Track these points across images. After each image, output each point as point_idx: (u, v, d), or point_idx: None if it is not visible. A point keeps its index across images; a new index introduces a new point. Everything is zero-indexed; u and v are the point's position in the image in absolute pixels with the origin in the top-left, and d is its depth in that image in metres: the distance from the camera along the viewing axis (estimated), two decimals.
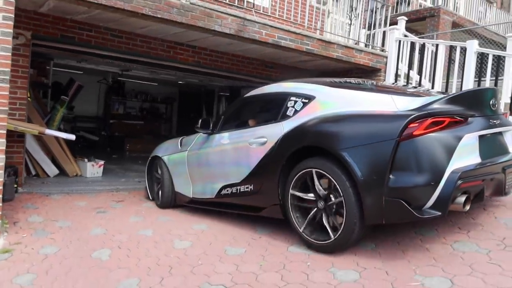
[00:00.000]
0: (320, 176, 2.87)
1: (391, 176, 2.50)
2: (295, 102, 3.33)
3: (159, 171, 4.74)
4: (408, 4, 12.47)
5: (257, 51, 6.02)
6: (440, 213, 2.50)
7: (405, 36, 7.09)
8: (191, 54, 6.26)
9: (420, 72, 6.53)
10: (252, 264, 2.81)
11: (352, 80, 4.04)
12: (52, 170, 6.03)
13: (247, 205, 3.58)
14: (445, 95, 2.87)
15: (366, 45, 7.03)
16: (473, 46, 5.67)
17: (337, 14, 7.72)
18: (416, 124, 2.52)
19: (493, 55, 5.68)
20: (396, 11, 12.39)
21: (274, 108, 3.55)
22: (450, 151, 2.56)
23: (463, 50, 5.90)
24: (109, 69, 8.38)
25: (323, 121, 2.99)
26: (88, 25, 5.26)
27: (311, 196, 2.96)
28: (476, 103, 2.88)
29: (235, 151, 3.67)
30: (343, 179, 2.68)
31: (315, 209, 2.91)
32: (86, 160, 6.33)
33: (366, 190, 2.58)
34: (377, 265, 2.57)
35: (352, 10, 6.69)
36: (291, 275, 2.56)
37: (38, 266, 3.00)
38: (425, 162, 2.52)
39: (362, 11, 7.14)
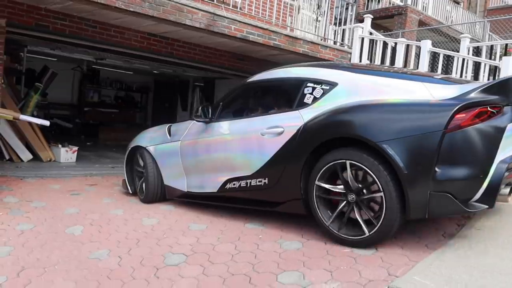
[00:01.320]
0: (354, 168, 2.70)
1: (437, 169, 2.41)
2: (313, 88, 3.12)
3: (142, 163, 4.35)
4: (379, 1, 12.95)
5: (227, 44, 6.33)
6: (487, 206, 2.47)
7: (371, 33, 7.52)
8: (164, 45, 6.51)
9: None
10: (211, 237, 3.16)
11: (375, 65, 3.88)
12: (26, 155, 6.20)
13: (258, 200, 3.33)
14: (481, 84, 2.71)
15: (335, 42, 7.44)
16: (426, 46, 6.15)
17: (307, 10, 8.09)
18: (463, 115, 2.42)
19: (444, 54, 6.17)
20: (367, 8, 12.86)
21: (286, 95, 3.42)
22: (496, 142, 2.48)
23: (419, 49, 6.38)
24: (84, 57, 8.50)
25: (358, 110, 2.79)
26: (62, 14, 5.43)
27: (340, 188, 2.79)
28: (508, 92, 2.69)
29: (244, 142, 3.38)
30: (383, 173, 2.52)
31: (344, 202, 2.76)
32: (60, 145, 6.52)
33: (411, 184, 2.45)
34: (318, 238, 2.96)
35: (318, 7, 7.05)
36: (244, 245, 2.93)
37: (15, 240, 3.25)
38: (473, 154, 2.45)
39: (328, 9, 7.51)
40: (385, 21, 12.36)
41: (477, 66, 6.10)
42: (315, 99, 3.08)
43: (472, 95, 2.55)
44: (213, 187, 3.64)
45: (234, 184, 3.44)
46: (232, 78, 9.24)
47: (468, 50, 6.65)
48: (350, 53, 7.12)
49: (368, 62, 7.08)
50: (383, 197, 2.53)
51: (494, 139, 2.49)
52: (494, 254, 2.46)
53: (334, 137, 2.80)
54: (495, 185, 2.45)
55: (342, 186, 2.77)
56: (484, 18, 18.08)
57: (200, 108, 3.76)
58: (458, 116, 2.42)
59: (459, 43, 7.15)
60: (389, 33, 10.92)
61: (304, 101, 3.13)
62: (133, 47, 6.23)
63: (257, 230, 3.24)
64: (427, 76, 3.22)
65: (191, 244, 3.03)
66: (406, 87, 2.80)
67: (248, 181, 3.32)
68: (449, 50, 7.12)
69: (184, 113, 12.04)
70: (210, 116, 3.70)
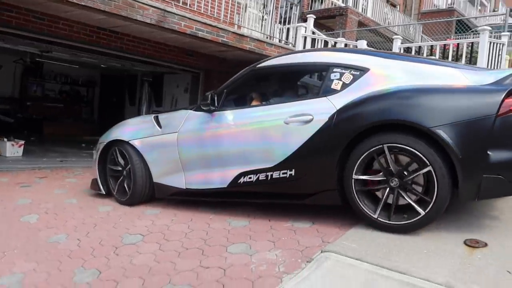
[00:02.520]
0: (396, 153, 2.69)
1: (489, 153, 2.45)
2: (342, 74, 3.00)
3: (121, 160, 3.91)
4: (322, 2, 13.61)
5: (177, 40, 6.52)
6: None
7: (313, 33, 8.02)
8: (113, 39, 6.56)
9: None
10: (165, 219, 3.41)
11: (400, 52, 3.52)
12: None
13: (281, 194, 3.16)
14: (505, 73, 2.76)
15: (280, 40, 7.86)
16: (362, 45, 6.72)
17: (254, 8, 8.44)
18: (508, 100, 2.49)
19: None
20: (311, 8, 13.48)
21: (308, 81, 3.35)
22: None
23: (356, 47, 6.95)
24: (28, 50, 8.27)
25: (404, 96, 2.72)
26: (8, 5, 5.34)
27: (379, 176, 2.75)
28: None
29: (263, 132, 3.15)
30: (437, 157, 2.52)
31: (387, 189, 2.72)
32: (5, 139, 6.39)
33: (465, 168, 2.47)
34: (263, 217, 3.31)
35: (264, 7, 7.42)
36: (196, 225, 3.21)
37: None
38: None
39: (273, 8, 7.91)
40: (328, 21, 13.05)
41: None
42: (344, 85, 2.95)
43: (508, 81, 2.63)
44: (222, 182, 3.33)
45: (250, 178, 3.18)
46: (181, 73, 9.39)
47: (400, 50, 7.35)
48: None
49: None
50: (435, 176, 2.53)
51: None
52: None
53: (383, 123, 2.67)
54: None
55: (381, 173, 2.73)
56: (417, 20, 19.47)
57: (209, 96, 3.41)
58: (507, 100, 2.47)
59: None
60: (331, 32, 11.57)
61: (332, 87, 2.99)
62: (82, 40, 6.23)
63: (208, 213, 3.52)
64: (455, 63, 3.24)
65: (146, 226, 3.27)
66: (445, 73, 2.81)
67: (269, 173, 3.09)
68: (386, 49, 7.79)
69: (132, 107, 11.97)
70: (216, 104, 3.41)
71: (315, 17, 8.65)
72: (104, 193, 4.12)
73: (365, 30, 12.65)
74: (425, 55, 7.19)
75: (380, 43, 12.02)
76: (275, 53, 7.19)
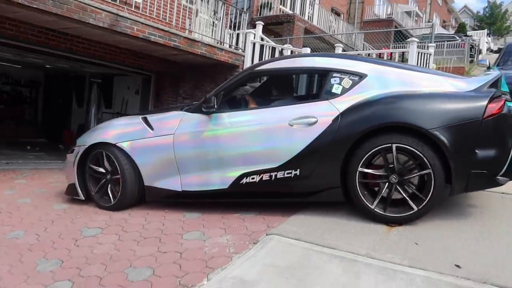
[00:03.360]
0: (399, 152, 2.89)
1: (477, 151, 2.79)
2: (341, 79, 3.19)
3: (107, 163, 3.77)
4: (270, 9, 14.14)
5: (129, 43, 6.64)
6: (510, 179, 2.90)
7: (262, 39, 8.43)
8: (63, 40, 6.55)
9: None
10: (122, 214, 3.61)
11: (390, 60, 3.69)
12: None
13: (285, 193, 3.30)
14: (488, 79, 3.09)
15: (230, 46, 8.18)
16: (307, 52, 7.21)
17: (205, 14, 8.72)
18: (494, 105, 2.82)
19: None
20: (260, 14, 13.95)
21: (308, 85, 3.51)
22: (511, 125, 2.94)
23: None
24: None
25: (403, 100, 2.98)
26: None
27: (381, 171, 2.96)
28: (499, 86, 3.08)
29: (267, 133, 3.24)
30: (433, 155, 2.78)
31: (386, 183, 2.94)
32: None
33: (457, 164, 2.77)
34: (215, 210, 3.60)
35: (215, 13, 7.73)
36: (153, 218, 3.46)
37: None
38: (502, 137, 2.88)
39: (223, 14, 8.24)
40: (276, 27, 13.58)
41: None
42: (344, 90, 3.15)
43: (486, 88, 2.99)
44: (222, 183, 3.37)
45: (253, 178, 3.26)
46: (132, 75, 9.45)
47: None
48: (244, 56, 7.93)
49: None
50: (433, 177, 2.79)
51: (511, 123, 2.94)
52: (344, 211, 3.35)
53: (385, 125, 2.89)
54: None
55: (382, 169, 2.95)
56: (360, 29, 20.65)
57: (212, 98, 3.42)
58: (490, 105, 2.82)
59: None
60: (280, 38, 12.09)
61: (332, 91, 3.18)
62: (30, 41, 6.17)
63: (163, 208, 3.76)
64: (438, 71, 3.58)
65: (104, 220, 3.46)
66: (434, 80, 3.12)
67: (274, 173, 3.19)
68: None
69: (80, 109, 11.78)
70: (215, 106, 3.43)
71: (263, 23, 9.06)
72: (83, 198, 3.93)
73: (311, 37, 13.33)
74: None
75: (325, 49, 12.70)
76: (225, 58, 7.52)
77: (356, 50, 11.62)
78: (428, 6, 35.45)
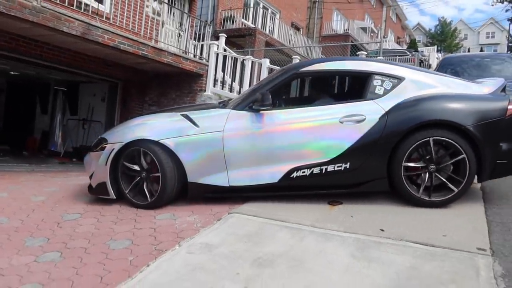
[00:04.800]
0: (436, 145, 3.32)
1: (501, 144, 3.33)
2: (383, 81, 3.55)
3: (143, 161, 3.73)
4: (233, 22, 14.79)
5: (99, 51, 7.00)
6: None
7: (225, 50, 8.99)
8: (33, 47, 6.81)
9: (233, 79, 8.52)
10: (100, 201, 3.98)
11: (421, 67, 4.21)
12: None
13: (334, 184, 3.53)
14: (499, 85, 3.65)
15: (194, 56, 8.68)
16: (266, 63, 7.84)
17: (171, 25, 9.18)
18: (511, 106, 3.39)
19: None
20: (223, 27, 14.57)
21: (353, 86, 3.80)
22: None
23: (261, 65, 8.06)
24: None
25: (442, 100, 3.41)
26: None
27: (421, 163, 3.36)
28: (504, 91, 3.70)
29: (319, 130, 3.48)
30: (467, 146, 3.25)
31: (427, 173, 3.34)
32: None
33: (487, 156, 3.27)
34: (184, 200, 4.05)
35: (180, 25, 8.22)
36: (127, 205, 3.85)
37: None
38: None
39: (189, 26, 8.74)
40: (239, 39, 14.22)
41: None
42: (386, 91, 3.52)
43: (499, 92, 3.58)
44: (272, 177, 3.53)
45: (303, 172, 3.47)
46: (98, 82, 9.72)
47: None
48: (208, 65, 8.45)
49: (223, 73, 8.54)
50: (467, 165, 3.26)
51: None
52: (291, 198, 3.90)
53: (430, 122, 3.29)
54: None
55: (421, 161, 3.36)
56: (319, 43, 21.71)
57: (263, 96, 3.55)
58: (510, 107, 3.38)
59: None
60: (242, 50, 12.72)
61: (376, 92, 3.52)
62: (1, 47, 6.40)
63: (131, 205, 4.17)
64: (460, 78, 4.10)
65: (83, 207, 3.84)
66: (460, 84, 3.66)
67: (324, 167, 3.43)
68: None
69: (44, 116, 11.82)
70: (269, 104, 3.56)
71: (226, 35, 9.64)
72: (114, 197, 3.83)
73: (272, 49, 14.07)
74: None
75: (285, 61, 13.45)
76: (190, 67, 8.01)
77: None
78: (383, 23, 37.51)
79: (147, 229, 3.15)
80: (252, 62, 8.28)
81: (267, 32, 15.29)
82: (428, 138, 3.29)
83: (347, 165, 3.42)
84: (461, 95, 3.50)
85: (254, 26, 15.09)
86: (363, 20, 31.23)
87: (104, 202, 3.96)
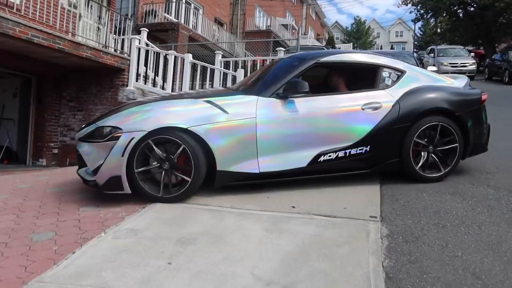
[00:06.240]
0: (433, 129, 3.91)
1: (476, 127, 4.06)
2: (390, 73, 4.04)
3: (173, 150, 3.47)
4: (155, 16, 14.60)
5: (9, 43, 6.62)
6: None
7: (147, 44, 8.93)
8: None
9: (156, 73, 8.52)
10: (16, 200, 3.90)
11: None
12: None
13: (354, 167, 3.84)
14: (466, 81, 4.45)
15: (115, 50, 8.52)
16: (188, 58, 7.97)
17: (89, 19, 8.88)
18: (484, 96, 4.19)
19: (201, 65, 8.15)
20: (145, 21, 14.32)
21: (366, 76, 4.10)
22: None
23: (183, 60, 8.18)
24: None
25: (439, 92, 4.05)
26: None
27: (424, 142, 3.90)
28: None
29: (344, 115, 3.78)
30: (459, 130, 3.92)
31: (426, 152, 3.91)
32: None
33: (471, 138, 3.97)
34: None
35: (99, 18, 8.03)
36: (48, 200, 3.82)
37: None
38: (486, 117, 4.23)
39: (108, 20, 8.56)
40: (162, 34, 14.10)
41: (225, 74, 8.32)
42: (393, 82, 4.02)
43: (469, 85, 4.38)
44: (300, 162, 3.69)
45: (329, 156, 3.72)
46: (8, 76, 9.12)
47: (221, 63, 8.87)
48: (129, 60, 8.36)
49: (145, 68, 8.51)
50: (458, 145, 3.92)
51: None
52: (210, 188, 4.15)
53: (434, 109, 3.90)
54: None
55: (426, 140, 3.91)
56: (242, 38, 22.15)
57: (297, 84, 3.69)
58: (483, 97, 4.18)
59: (223, 57, 9.40)
60: (165, 45, 12.65)
61: (385, 82, 4.01)
62: None
63: (59, 193, 4.14)
64: (442, 74, 4.82)
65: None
66: (448, 79, 4.37)
67: (348, 150, 3.74)
68: (212, 62, 9.20)
69: None
70: (303, 91, 3.70)
71: (148, 30, 9.56)
72: (130, 192, 3.50)
73: (196, 44, 14.14)
74: (240, 67, 8.84)
75: (209, 56, 13.63)
76: (111, 61, 7.87)
77: (236, 57, 12.73)
78: (303, 20, 39.13)
79: (71, 220, 3.20)
80: (175, 57, 8.35)
81: (190, 27, 15.31)
82: (437, 122, 3.88)
83: (368, 148, 3.78)
84: (451, 88, 4.18)
85: (177, 20, 15.02)
86: (285, 17, 32.35)
87: (22, 199, 3.89)
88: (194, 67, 8.19)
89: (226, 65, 9.00)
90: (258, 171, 3.62)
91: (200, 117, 3.52)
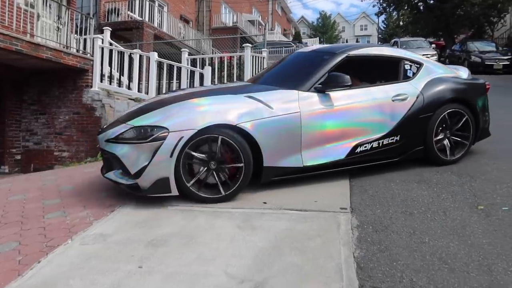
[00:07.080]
0: (457, 115, 4.22)
1: (486, 113, 4.51)
2: (410, 66, 4.29)
3: (223, 148, 3.37)
4: (118, 15, 14.24)
5: None
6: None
7: (111, 44, 8.70)
8: None
9: (121, 73, 8.32)
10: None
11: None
12: None
13: (384, 157, 4.00)
14: (468, 72, 4.82)
15: (77, 50, 8.25)
16: (154, 56, 7.83)
17: (47, 18, 8.57)
18: (488, 86, 4.66)
19: (167, 64, 8.02)
20: (108, 20, 13.96)
21: (390, 69, 4.30)
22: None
23: (149, 58, 8.02)
24: None
25: (455, 83, 4.34)
26: None
27: (443, 128, 4.19)
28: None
29: (378, 107, 3.93)
30: (472, 117, 4.26)
31: (445, 138, 4.20)
32: None
33: (481, 123, 4.34)
34: (74, 197, 3.99)
35: (59, 18, 7.75)
36: (10, 208, 3.67)
37: None
38: (488, 104, 4.60)
39: (68, 20, 8.28)
40: (126, 33, 13.78)
41: (192, 72, 8.23)
42: (414, 74, 4.24)
43: (471, 76, 4.81)
44: (339, 154, 3.76)
45: (365, 147, 3.84)
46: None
47: (188, 61, 8.76)
48: (93, 60, 8.12)
49: (110, 68, 8.29)
50: (471, 129, 4.27)
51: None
52: None
53: (454, 99, 4.19)
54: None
55: (444, 126, 4.17)
56: (209, 35, 21.97)
57: (338, 77, 3.71)
58: (487, 86, 4.66)
59: (190, 54, 9.26)
60: (130, 44, 12.37)
61: (408, 75, 4.23)
62: None
63: (21, 201, 3.98)
64: (448, 65, 5.38)
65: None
66: (457, 70, 4.73)
67: (381, 141, 3.90)
68: (178, 60, 9.06)
69: None
70: (345, 84, 3.75)
71: (112, 29, 9.31)
72: (177, 194, 3.34)
73: (161, 43, 13.91)
74: (207, 64, 8.75)
75: (175, 54, 13.44)
76: (73, 62, 7.62)
77: (203, 54, 12.60)
78: (270, 16, 39.22)
79: (35, 229, 3.07)
80: (140, 55, 8.18)
81: (155, 25, 15.04)
82: (456, 109, 4.19)
83: (398, 138, 3.97)
84: (462, 79, 4.54)
85: (141, 19, 14.71)
86: (251, 13, 32.32)
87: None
88: (160, 65, 8.04)
89: (193, 62, 8.90)
90: (302, 165, 3.64)
91: (247, 113, 3.45)
